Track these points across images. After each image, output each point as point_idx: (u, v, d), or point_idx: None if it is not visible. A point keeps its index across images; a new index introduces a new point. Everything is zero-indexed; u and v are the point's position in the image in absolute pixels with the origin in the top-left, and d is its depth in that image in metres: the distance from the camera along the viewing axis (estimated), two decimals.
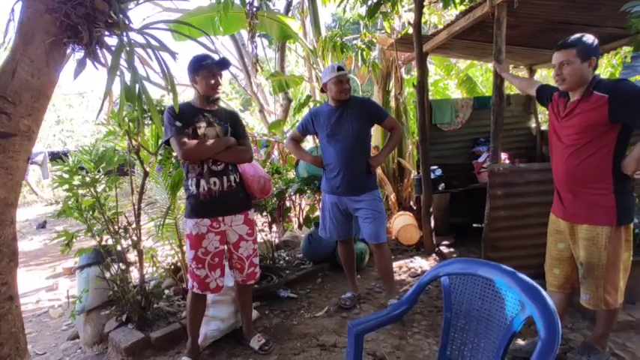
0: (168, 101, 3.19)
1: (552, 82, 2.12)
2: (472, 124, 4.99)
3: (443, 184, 4.53)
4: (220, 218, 2.23)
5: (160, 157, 2.97)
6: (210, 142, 2.16)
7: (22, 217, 8.74)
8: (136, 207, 2.76)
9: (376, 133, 5.30)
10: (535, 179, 2.91)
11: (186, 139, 2.09)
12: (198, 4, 4.79)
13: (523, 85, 2.55)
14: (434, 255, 4.07)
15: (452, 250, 4.18)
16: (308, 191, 3.91)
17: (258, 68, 4.58)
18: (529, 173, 2.94)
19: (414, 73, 5.26)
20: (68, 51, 1.38)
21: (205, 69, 2.16)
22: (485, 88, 7.67)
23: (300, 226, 4.74)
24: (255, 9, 3.17)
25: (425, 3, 3.95)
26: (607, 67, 5.96)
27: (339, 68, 2.71)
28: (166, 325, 2.65)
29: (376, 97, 5.44)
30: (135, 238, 2.72)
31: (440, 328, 1.56)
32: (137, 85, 1.42)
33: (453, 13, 4.80)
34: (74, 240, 2.60)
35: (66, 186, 2.49)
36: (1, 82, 1.23)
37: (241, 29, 5.31)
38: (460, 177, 4.67)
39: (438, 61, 7.17)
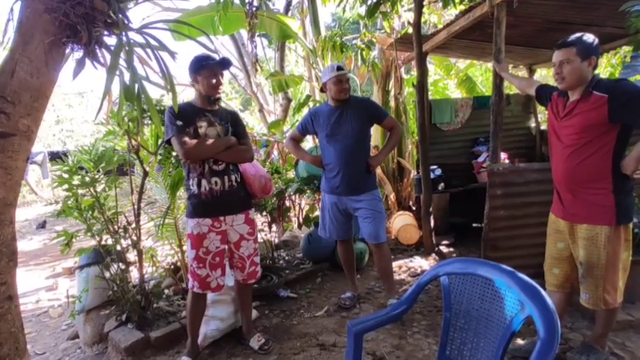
0: (167, 101, 3.18)
1: (552, 82, 2.12)
2: (472, 124, 4.98)
3: (442, 184, 4.53)
4: (221, 218, 2.24)
5: (159, 157, 2.97)
6: (211, 141, 2.16)
7: (22, 216, 8.74)
8: (135, 207, 2.76)
9: (376, 132, 5.29)
10: (535, 179, 2.91)
11: (187, 139, 2.09)
12: (197, 4, 4.78)
13: (522, 84, 2.55)
14: (433, 255, 4.07)
15: (451, 249, 4.18)
16: (308, 191, 3.91)
17: (258, 68, 4.57)
18: (529, 173, 2.94)
19: (414, 72, 5.26)
20: (67, 51, 1.37)
21: (207, 69, 2.16)
22: (485, 88, 7.66)
23: (299, 226, 4.74)
24: (254, 9, 3.16)
25: (424, 3, 3.95)
26: (607, 67, 5.96)
27: (339, 68, 2.71)
28: (166, 324, 2.65)
29: (376, 97, 5.43)
30: (134, 237, 2.72)
31: (439, 328, 1.56)
32: (136, 85, 1.42)
33: (452, 12, 4.80)
34: (74, 240, 2.60)
35: (65, 186, 2.49)
36: (0, 81, 1.23)
37: (241, 29, 5.30)
38: (460, 177, 4.67)
39: (437, 60, 7.16)
